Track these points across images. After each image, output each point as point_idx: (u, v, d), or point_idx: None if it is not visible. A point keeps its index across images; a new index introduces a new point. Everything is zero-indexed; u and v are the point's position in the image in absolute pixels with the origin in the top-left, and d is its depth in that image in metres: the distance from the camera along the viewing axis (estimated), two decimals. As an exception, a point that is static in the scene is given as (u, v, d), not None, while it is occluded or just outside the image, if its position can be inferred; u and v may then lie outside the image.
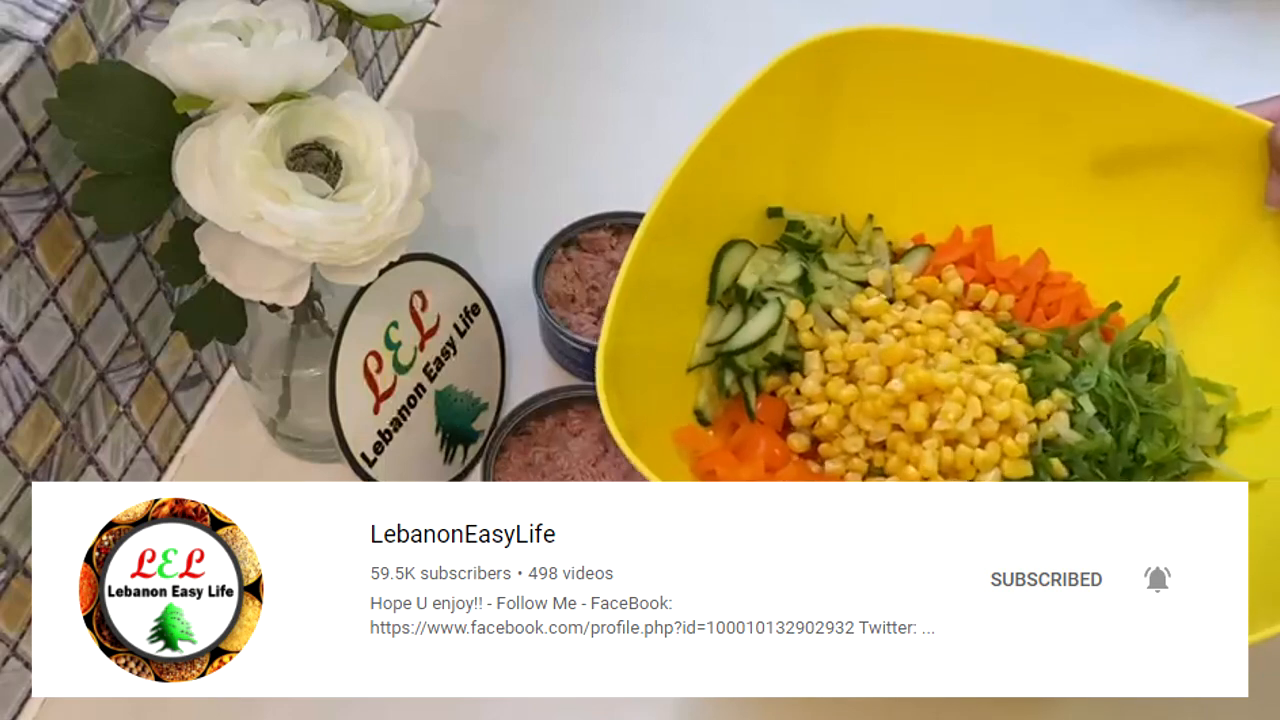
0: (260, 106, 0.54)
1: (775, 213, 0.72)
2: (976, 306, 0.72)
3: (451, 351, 0.69)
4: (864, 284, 0.72)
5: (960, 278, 0.72)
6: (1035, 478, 0.64)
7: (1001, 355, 0.68)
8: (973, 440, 0.64)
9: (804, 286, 0.70)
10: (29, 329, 0.57)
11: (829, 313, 0.70)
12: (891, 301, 0.71)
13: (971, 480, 0.64)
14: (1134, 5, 0.95)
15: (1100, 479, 0.64)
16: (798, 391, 0.68)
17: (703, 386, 0.70)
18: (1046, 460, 0.64)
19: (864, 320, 0.70)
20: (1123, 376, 0.67)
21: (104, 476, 0.66)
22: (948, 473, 0.64)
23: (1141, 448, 0.65)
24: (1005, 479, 0.64)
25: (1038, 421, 0.65)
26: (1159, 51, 0.91)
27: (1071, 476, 0.64)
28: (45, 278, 0.58)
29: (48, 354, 0.59)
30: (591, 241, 0.78)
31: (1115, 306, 0.71)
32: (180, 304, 0.62)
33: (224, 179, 0.52)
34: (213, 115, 0.54)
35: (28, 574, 0.61)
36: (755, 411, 0.69)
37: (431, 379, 0.68)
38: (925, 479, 0.64)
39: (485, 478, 0.67)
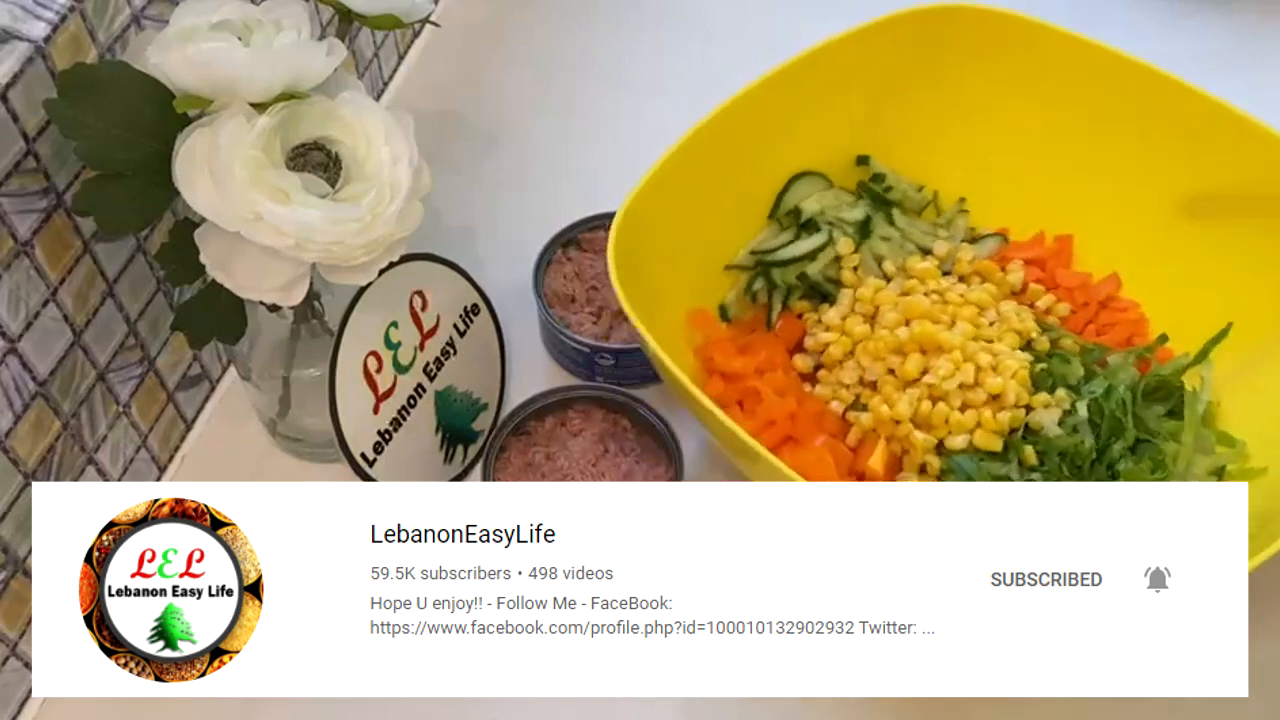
0: (260, 106, 0.54)
1: (863, 160, 0.75)
2: (1032, 306, 0.73)
3: (451, 351, 0.69)
4: (927, 252, 0.74)
5: (1023, 273, 0.73)
6: (1003, 457, 0.64)
7: (1030, 350, 0.69)
8: (954, 402, 0.65)
9: (862, 230, 0.73)
10: (29, 329, 0.57)
11: (879, 263, 0.73)
12: (946, 275, 0.73)
13: (941, 438, 0.65)
14: (1131, 6, 0.95)
15: (1067, 479, 0.64)
16: (819, 320, 0.71)
17: (734, 288, 0.73)
18: (1019, 443, 0.64)
19: (909, 279, 0.71)
20: (1135, 399, 0.66)
21: (104, 476, 0.66)
22: (921, 424, 0.66)
23: (1120, 465, 0.64)
24: (973, 448, 0.65)
25: (1029, 409, 0.66)
26: (1156, 53, 0.91)
27: (1040, 468, 0.64)
28: (45, 278, 0.58)
29: (48, 354, 0.59)
30: (591, 241, 0.78)
31: (1163, 339, 0.71)
32: (180, 304, 0.62)
33: (224, 179, 0.52)
34: (213, 115, 0.54)
35: (28, 574, 0.61)
36: (774, 323, 0.72)
37: (431, 379, 0.68)
38: (896, 422, 0.65)
39: (485, 478, 0.67)
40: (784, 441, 0.67)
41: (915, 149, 0.75)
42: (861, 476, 0.66)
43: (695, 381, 0.62)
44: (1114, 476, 0.64)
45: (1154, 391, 0.68)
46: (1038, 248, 0.75)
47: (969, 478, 0.64)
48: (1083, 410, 0.65)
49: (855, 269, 0.73)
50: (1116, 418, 0.65)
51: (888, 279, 0.72)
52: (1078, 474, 0.64)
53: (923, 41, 0.72)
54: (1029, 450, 0.64)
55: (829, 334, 0.70)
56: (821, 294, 0.73)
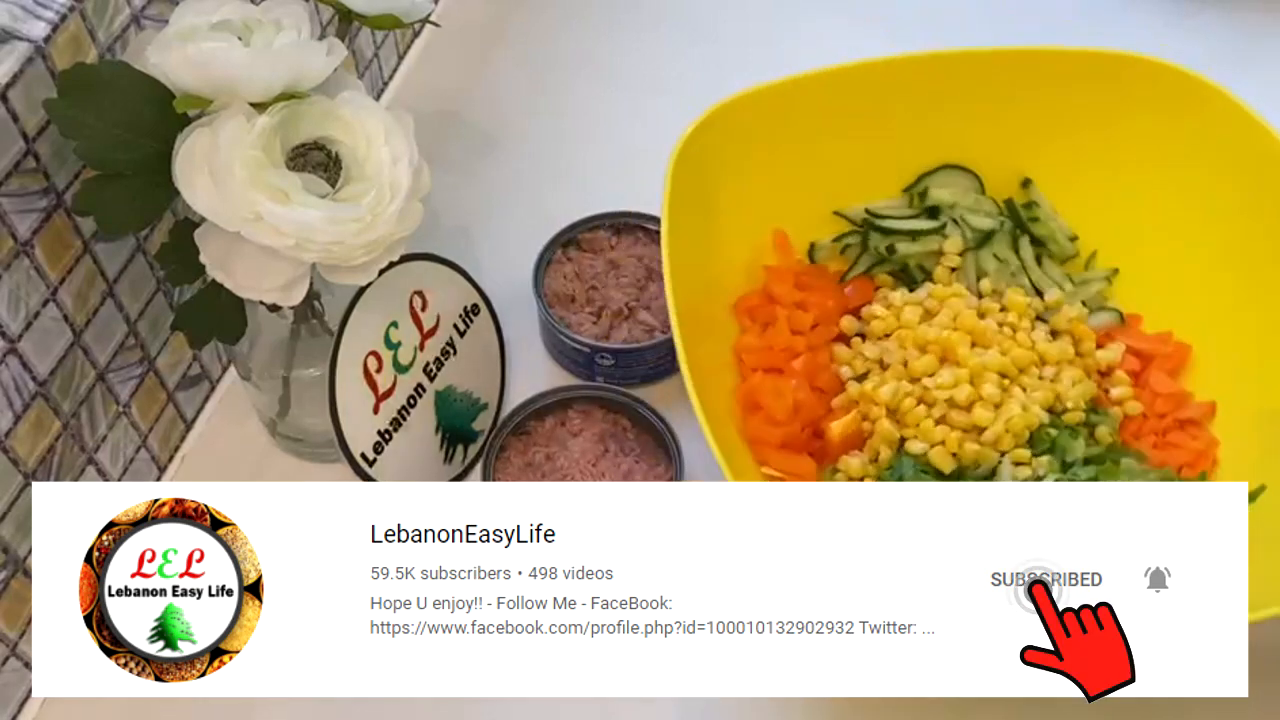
0: (260, 106, 0.54)
1: (1026, 183, 0.74)
2: (1104, 375, 0.70)
3: (451, 351, 0.69)
4: (1039, 292, 0.72)
5: (1118, 356, 0.70)
6: (946, 480, 0.64)
7: (1059, 415, 0.67)
8: (936, 412, 0.65)
9: (981, 240, 0.72)
10: (29, 329, 0.57)
11: (979, 277, 0.72)
12: (1042, 320, 0.71)
13: (905, 437, 0.65)
14: (1133, 5, 0.95)
15: None
16: (885, 295, 0.72)
17: (830, 236, 0.74)
18: (969, 476, 0.63)
19: (997, 305, 0.70)
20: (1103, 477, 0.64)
21: (104, 476, 0.66)
22: (898, 417, 0.66)
23: None
24: (926, 459, 0.64)
25: (1004, 454, 0.64)
26: (1158, 52, 0.91)
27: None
28: (45, 278, 0.58)
29: (47, 354, 0.59)
30: (591, 241, 0.78)
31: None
32: (180, 304, 0.62)
33: (224, 179, 0.52)
34: (212, 115, 0.54)
35: (28, 574, 0.61)
36: (848, 276, 0.74)
37: (431, 379, 0.68)
38: (872, 403, 0.66)
39: (485, 478, 0.67)
40: (771, 368, 0.69)
41: (1082, 197, 0.74)
42: (820, 435, 0.68)
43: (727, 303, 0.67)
44: None
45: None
46: (1150, 343, 0.71)
47: (899, 478, 0.64)
48: (1049, 476, 0.64)
49: (953, 270, 0.72)
50: None
51: (980, 295, 0.71)
52: None
53: (1098, 82, 0.71)
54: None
55: (882, 309, 0.70)
56: (910, 279, 0.73)
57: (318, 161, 0.56)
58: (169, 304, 0.68)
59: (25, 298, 0.57)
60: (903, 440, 0.66)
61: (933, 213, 0.74)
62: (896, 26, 0.94)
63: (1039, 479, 0.63)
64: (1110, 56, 0.70)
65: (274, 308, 0.64)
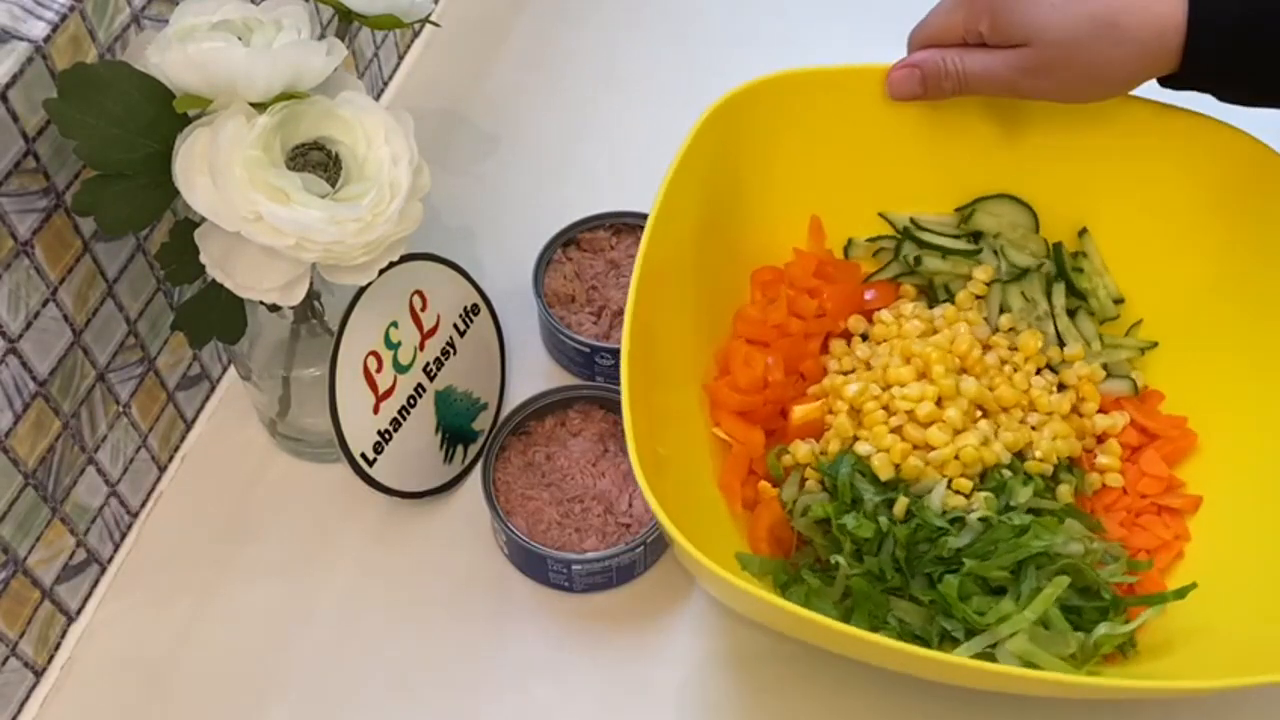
0: (260, 106, 0.54)
1: (1083, 232, 0.72)
2: (1099, 440, 0.68)
3: (451, 351, 0.69)
4: (1062, 342, 0.70)
5: (1118, 426, 0.68)
6: (880, 489, 0.63)
7: (1021, 457, 0.66)
8: (892, 421, 0.65)
9: (1012, 275, 0.71)
10: (29, 329, 0.57)
11: (1000, 311, 0.71)
12: (1050, 370, 0.69)
13: (857, 437, 0.65)
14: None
15: (875, 555, 0.61)
16: (899, 304, 0.71)
17: (868, 235, 0.74)
18: (899, 493, 0.63)
19: (1012, 346, 0.69)
20: (1024, 570, 0.60)
21: (104, 476, 0.66)
22: (856, 409, 0.66)
23: (918, 589, 0.61)
24: (864, 463, 0.64)
25: (949, 482, 0.63)
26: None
27: (873, 520, 0.61)
28: (45, 278, 0.58)
29: (47, 354, 0.59)
30: (591, 241, 0.78)
31: (1157, 600, 0.61)
32: (180, 304, 0.62)
33: (224, 179, 0.52)
34: (212, 115, 0.54)
35: (28, 574, 0.61)
36: (871, 278, 0.74)
37: (431, 379, 0.68)
38: (838, 397, 0.67)
39: (485, 478, 0.67)
40: (757, 340, 0.70)
41: (1138, 260, 0.70)
42: (785, 414, 0.68)
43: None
44: (925, 582, 0.61)
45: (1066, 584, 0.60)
46: (1158, 422, 0.68)
47: (834, 474, 0.63)
48: (973, 522, 0.61)
49: (975, 296, 0.71)
50: (986, 564, 0.60)
51: (995, 330, 0.70)
52: (894, 561, 0.61)
53: (1166, 140, 0.67)
54: (901, 502, 0.62)
55: (889, 316, 0.70)
56: (934, 296, 0.72)
57: (318, 161, 0.56)
58: (169, 304, 0.68)
59: (25, 298, 0.57)
60: (855, 439, 0.66)
61: (975, 237, 0.73)
62: (900, 27, 0.94)
63: (969, 512, 0.62)
64: (1183, 116, 0.66)
65: (274, 308, 0.64)
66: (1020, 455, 0.66)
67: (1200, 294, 0.69)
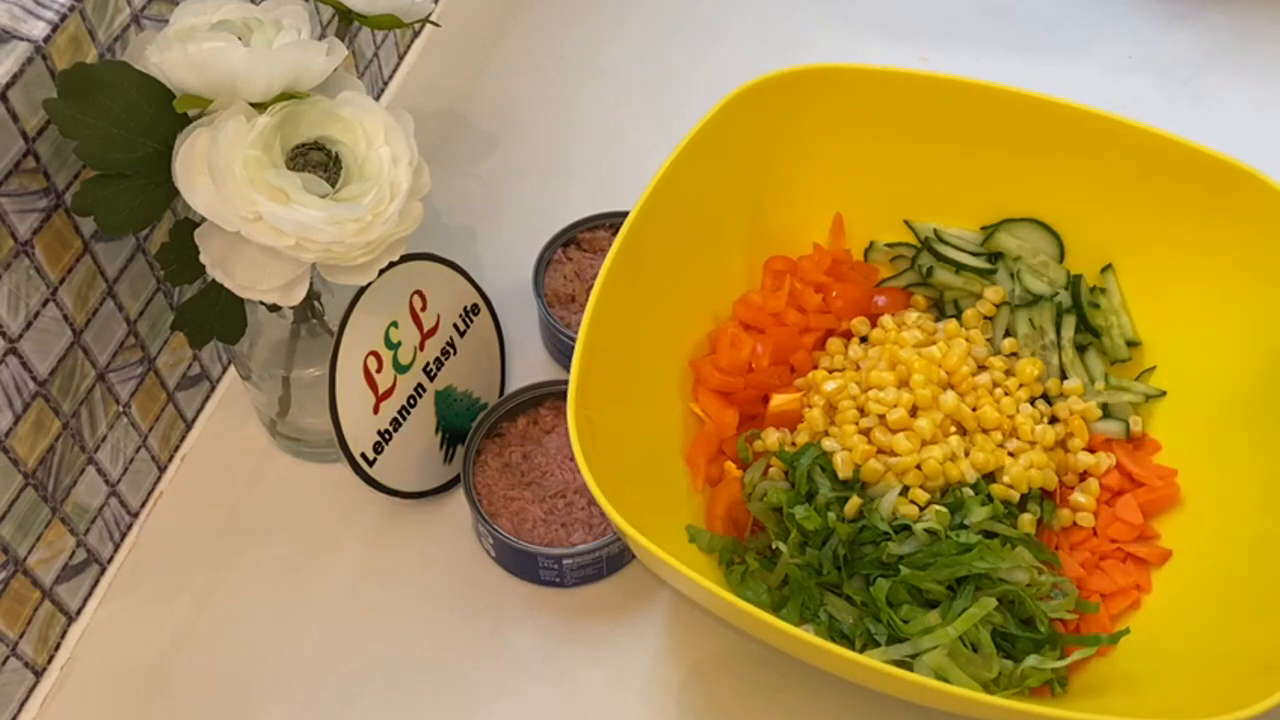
0: (260, 106, 0.54)
1: (1107, 268, 0.71)
2: (1081, 478, 0.67)
3: (451, 351, 0.69)
4: (1063, 375, 0.69)
5: (1104, 466, 0.66)
6: (836, 487, 0.63)
7: (992, 479, 0.65)
8: (864, 423, 0.65)
9: (1024, 301, 0.70)
10: (29, 329, 0.57)
11: (1005, 334, 0.70)
12: (1045, 400, 0.68)
13: (828, 432, 0.66)
14: (1130, 6, 0.95)
15: (818, 552, 0.61)
16: (906, 313, 0.72)
17: (889, 241, 0.74)
18: (853, 490, 0.63)
19: (1008, 370, 0.69)
20: (964, 595, 0.60)
21: (104, 476, 0.66)
22: (831, 407, 0.66)
23: (851, 591, 0.61)
24: (828, 459, 0.64)
25: (904, 489, 0.63)
26: (1155, 53, 0.91)
27: (823, 515, 0.62)
28: (45, 278, 0.58)
29: (47, 354, 0.59)
30: (591, 241, 0.78)
31: (1100, 639, 0.60)
32: (180, 304, 0.62)
33: (224, 179, 0.52)
34: (212, 115, 0.54)
35: (28, 574, 0.61)
36: (884, 284, 0.74)
37: (431, 379, 0.68)
38: (815, 391, 0.67)
39: (466, 486, 0.67)
40: (751, 325, 0.71)
41: (1159, 305, 0.69)
42: (766, 401, 0.69)
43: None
44: (862, 582, 0.61)
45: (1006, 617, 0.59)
46: (1146, 471, 0.66)
47: (790, 464, 0.64)
48: (919, 532, 0.61)
49: (984, 316, 0.71)
50: (922, 574, 0.59)
51: (996, 352, 0.69)
52: (835, 557, 0.61)
53: (1199, 184, 0.65)
54: (854, 502, 0.62)
55: (891, 323, 0.70)
56: (942, 310, 0.72)
57: (318, 161, 0.56)
58: (169, 304, 0.68)
59: (25, 298, 0.57)
60: (825, 433, 0.66)
61: (995, 257, 0.72)
62: (899, 27, 0.94)
63: (919, 521, 0.62)
64: (1218, 162, 0.64)
65: (274, 308, 0.64)
66: (990, 477, 0.65)
67: (1218, 352, 0.67)
